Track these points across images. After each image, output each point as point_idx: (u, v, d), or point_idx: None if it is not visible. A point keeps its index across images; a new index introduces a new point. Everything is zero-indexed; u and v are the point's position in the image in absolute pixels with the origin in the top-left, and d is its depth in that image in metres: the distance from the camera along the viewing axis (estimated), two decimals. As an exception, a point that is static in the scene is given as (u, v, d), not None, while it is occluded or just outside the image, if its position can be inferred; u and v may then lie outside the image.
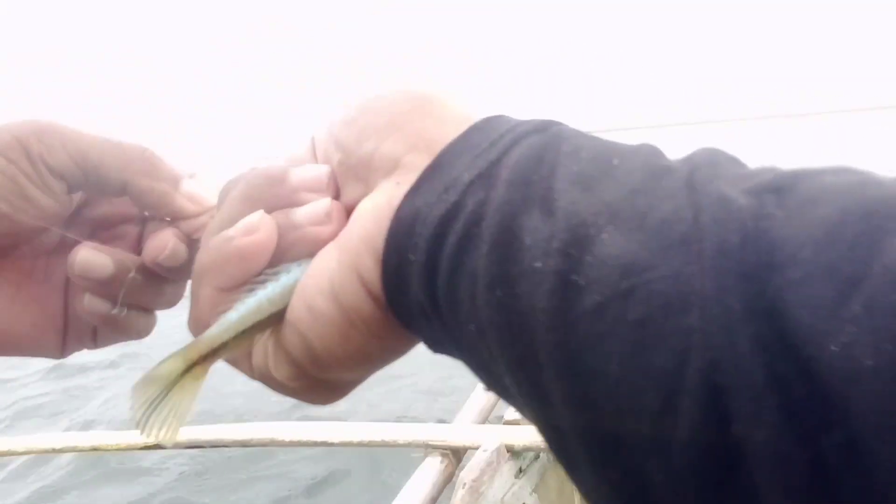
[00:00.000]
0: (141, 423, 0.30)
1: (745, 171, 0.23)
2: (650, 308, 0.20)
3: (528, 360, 0.22)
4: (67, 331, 0.39)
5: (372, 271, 0.27)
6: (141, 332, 0.39)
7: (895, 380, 0.16)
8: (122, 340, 0.40)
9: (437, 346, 0.28)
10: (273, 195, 0.31)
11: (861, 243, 0.18)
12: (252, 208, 0.31)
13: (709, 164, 0.23)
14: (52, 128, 0.35)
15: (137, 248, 0.38)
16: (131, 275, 0.36)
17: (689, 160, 0.23)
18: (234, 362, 0.33)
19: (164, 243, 0.36)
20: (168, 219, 0.37)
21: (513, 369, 0.23)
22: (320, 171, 0.31)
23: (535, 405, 0.23)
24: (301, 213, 0.30)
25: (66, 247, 0.37)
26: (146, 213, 0.39)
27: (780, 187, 0.21)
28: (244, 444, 1.68)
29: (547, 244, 0.22)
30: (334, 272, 0.28)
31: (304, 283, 0.29)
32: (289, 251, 0.30)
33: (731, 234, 0.20)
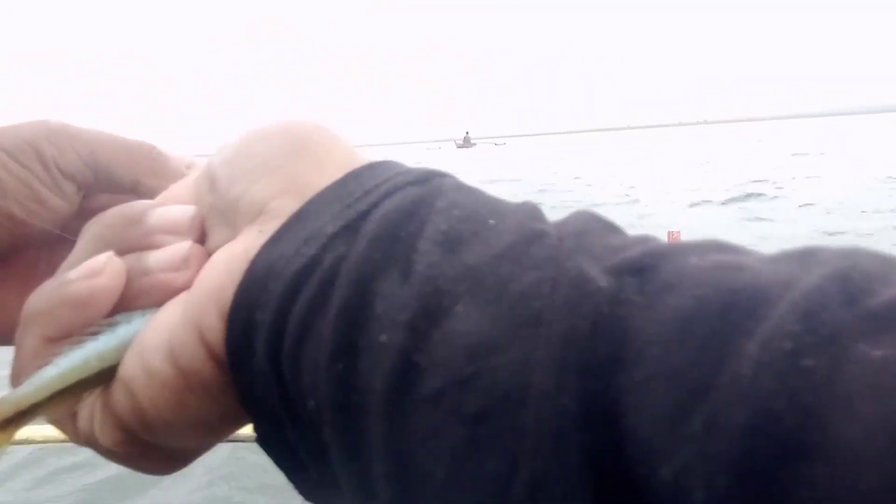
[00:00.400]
0: None
1: (616, 241, 0.21)
2: (490, 401, 0.18)
3: (360, 453, 0.20)
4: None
5: (217, 330, 0.24)
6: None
7: None
8: None
9: (270, 435, 0.24)
10: (127, 236, 0.28)
11: (711, 346, 0.16)
12: (103, 250, 0.28)
13: (578, 232, 0.21)
14: (63, 129, 0.34)
15: None
16: None
17: (562, 225, 0.22)
18: (56, 423, 0.29)
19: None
20: None
21: (343, 462, 0.21)
22: (183, 213, 0.28)
23: (360, 498, 0.21)
24: (154, 257, 0.27)
25: (67, 238, 0.37)
26: None
27: (642, 268, 0.19)
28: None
29: (396, 314, 0.20)
30: (175, 328, 0.25)
31: (141, 337, 0.26)
32: (137, 299, 0.27)
33: (582, 321, 0.18)
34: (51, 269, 0.38)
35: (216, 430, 0.27)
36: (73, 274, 0.27)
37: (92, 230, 0.29)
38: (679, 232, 4.13)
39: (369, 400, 0.19)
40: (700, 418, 0.15)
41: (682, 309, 0.17)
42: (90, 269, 0.27)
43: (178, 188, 0.31)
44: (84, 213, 0.38)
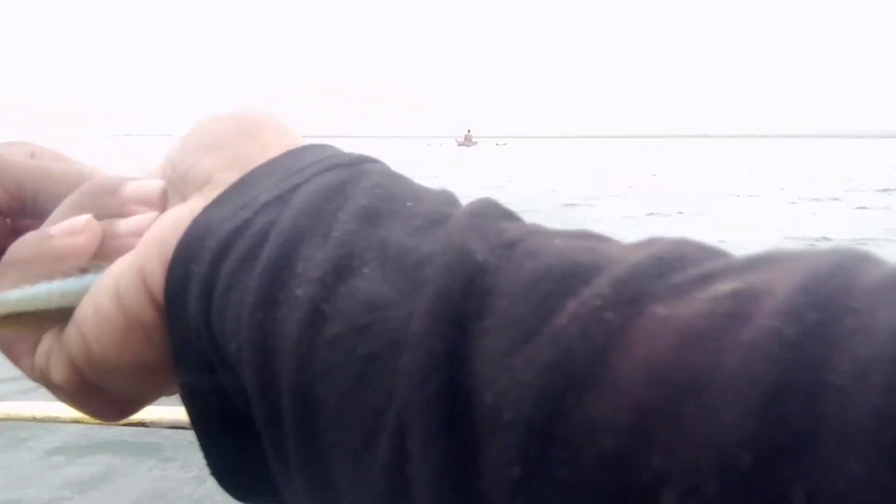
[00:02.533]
0: None
1: (505, 225, 0.23)
2: (379, 345, 0.21)
3: (272, 387, 0.23)
4: None
5: (158, 277, 0.27)
6: None
7: (529, 435, 0.18)
8: None
9: (194, 384, 0.27)
10: (103, 204, 0.31)
11: (546, 302, 0.19)
12: (80, 214, 0.31)
13: (475, 214, 0.24)
14: None
15: None
16: None
17: (463, 210, 0.24)
18: (13, 356, 0.32)
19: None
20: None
21: (257, 393, 0.23)
22: (152, 187, 0.31)
23: (268, 434, 0.23)
24: (124, 223, 0.31)
25: None
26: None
27: (514, 241, 0.22)
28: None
29: (311, 272, 0.23)
30: (122, 272, 0.28)
31: (96, 282, 0.29)
32: (106, 258, 0.30)
33: (456, 283, 0.21)
34: None
35: (156, 375, 0.29)
36: (55, 230, 0.30)
37: (72, 197, 0.32)
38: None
39: (282, 343, 0.22)
40: (521, 357, 0.19)
41: (534, 270, 0.20)
42: (71, 227, 0.30)
43: (150, 168, 0.33)
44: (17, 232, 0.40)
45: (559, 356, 0.18)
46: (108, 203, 0.31)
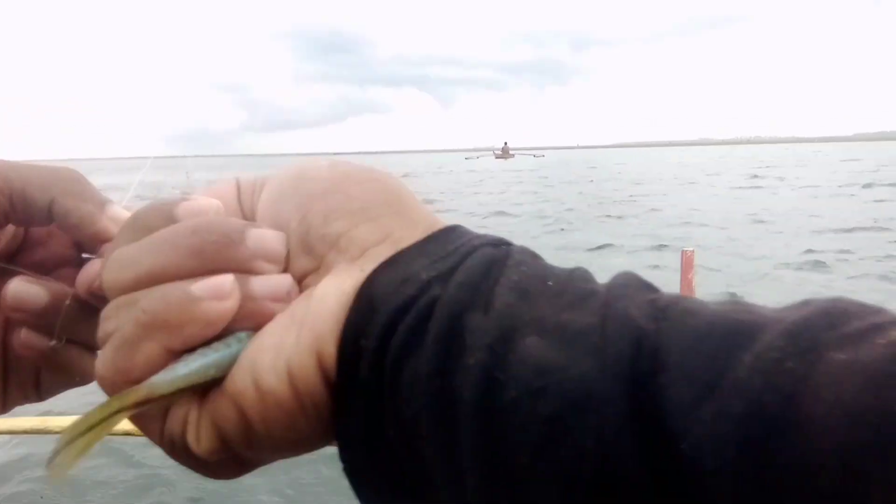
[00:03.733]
0: (56, 451, 0.27)
1: (652, 295, 0.26)
2: (559, 406, 0.23)
3: (452, 445, 0.25)
4: (8, 383, 0.39)
5: (332, 356, 0.27)
6: (84, 375, 0.37)
7: (736, 482, 0.20)
8: (66, 387, 0.39)
9: (357, 450, 0.27)
10: (228, 257, 0.29)
11: (718, 356, 0.22)
12: (202, 264, 0.29)
13: (622, 286, 0.27)
14: None
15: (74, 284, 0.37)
16: (67, 302, 0.35)
17: (609, 284, 0.27)
18: (141, 424, 0.30)
19: (97, 271, 0.34)
20: (92, 241, 0.37)
21: (438, 455, 0.25)
22: (278, 241, 0.30)
23: (450, 490, 0.25)
24: (261, 286, 0.29)
25: None
26: (76, 241, 0.39)
27: (669, 304, 0.25)
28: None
29: (480, 340, 0.25)
30: (293, 352, 0.27)
31: (253, 357, 0.28)
32: (240, 321, 0.29)
33: (627, 346, 0.23)
34: None
35: (310, 446, 0.29)
36: (199, 291, 0.28)
37: (185, 237, 0.29)
38: (693, 250, 4.32)
39: (461, 408, 0.24)
40: (709, 409, 0.21)
41: (697, 327, 0.23)
42: (219, 290, 0.28)
43: (221, 192, 0.33)
44: (20, 265, 0.38)
45: (749, 407, 0.20)
46: (231, 255, 0.29)
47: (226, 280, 0.28)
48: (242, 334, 0.29)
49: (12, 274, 0.36)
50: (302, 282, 0.30)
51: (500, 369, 0.24)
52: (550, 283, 0.27)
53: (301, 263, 0.30)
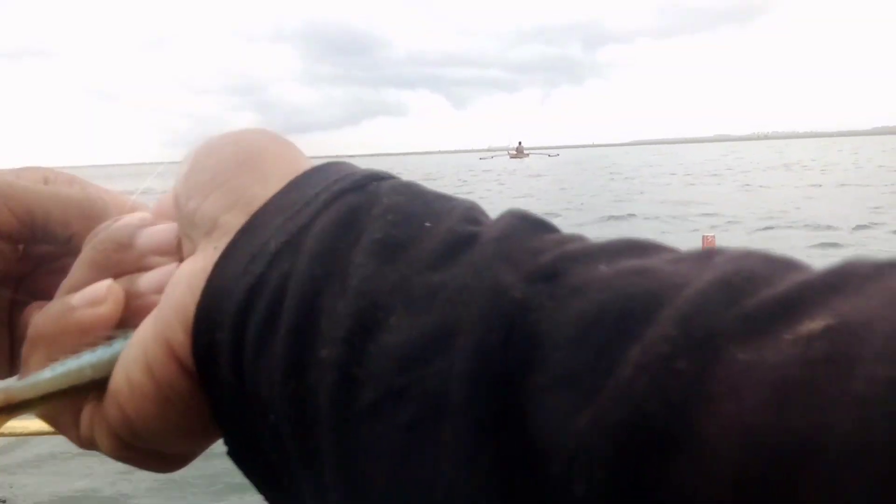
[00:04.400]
0: None
1: (537, 243, 0.22)
2: (420, 410, 0.19)
3: (313, 462, 0.22)
4: (14, 366, 0.37)
5: (184, 345, 0.25)
6: None
7: None
8: None
9: (240, 446, 0.26)
10: (119, 260, 0.30)
11: (605, 350, 0.17)
12: (101, 273, 0.29)
13: (503, 236, 0.22)
14: None
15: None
16: None
17: (491, 226, 0.23)
18: (60, 429, 0.31)
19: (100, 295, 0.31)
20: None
21: (300, 470, 0.23)
22: (167, 233, 0.30)
23: None
24: (145, 281, 0.29)
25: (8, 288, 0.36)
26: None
27: (555, 273, 0.20)
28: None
29: (334, 330, 0.21)
30: (148, 343, 0.26)
31: (125, 352, 0.27)
32: (130, 320, 0.29)
33: (494, 333, 0.19)
34: None
35: (202, 435, 0.28)
36: (77, 301, 0.29)
37: (83, 254, 0.30)
38: (713, 236, 4.16)
39: (318, 414, 0.21)
40: (586, 418, 0.17)
41: (585, 313, 0.18)
42: (93, 297, 0.28)
43: (162, 205, 0.32)
44: (30, 258, 0.37)
45: (629, 415, 0.16)
46: (124, 258, 0.30)
47: (101, 286, 0.29)
48: (131, 332, 0.28)
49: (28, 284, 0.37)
50: None
51: (359, 365, 0.21)
52: (428, 223, 0.23)
53: (187, 247, 0.29)
